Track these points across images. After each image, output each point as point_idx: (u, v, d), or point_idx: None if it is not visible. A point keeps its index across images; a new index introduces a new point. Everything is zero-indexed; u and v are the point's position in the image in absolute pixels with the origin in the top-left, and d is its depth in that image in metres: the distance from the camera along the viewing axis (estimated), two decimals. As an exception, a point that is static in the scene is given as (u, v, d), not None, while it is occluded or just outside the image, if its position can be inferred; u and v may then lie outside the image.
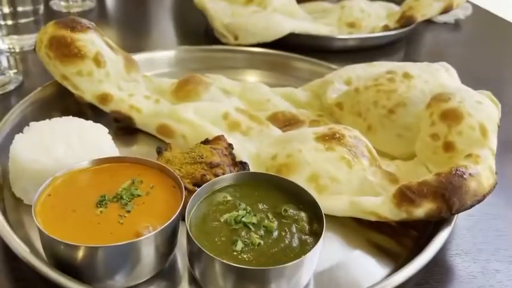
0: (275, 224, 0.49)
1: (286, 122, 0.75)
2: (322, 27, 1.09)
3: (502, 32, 1.40)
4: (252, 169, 0.64)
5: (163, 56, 0.90)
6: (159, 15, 1.34)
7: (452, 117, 0.60)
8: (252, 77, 0.92)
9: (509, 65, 1.19)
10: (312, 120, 0.75)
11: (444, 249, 0.57)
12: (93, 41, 0.72)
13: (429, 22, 1.29)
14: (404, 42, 1.21)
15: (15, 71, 0.89)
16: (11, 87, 0.85)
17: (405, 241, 0.58)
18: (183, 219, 0.48)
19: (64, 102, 0.76)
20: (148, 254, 0.46)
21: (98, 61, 0.72)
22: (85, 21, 0.74)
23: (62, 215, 0.47)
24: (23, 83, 0.88)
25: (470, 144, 0.58)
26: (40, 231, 0.45)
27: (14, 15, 0.94)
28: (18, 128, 0.67)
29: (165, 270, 0.51)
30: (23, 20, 0.96)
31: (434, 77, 0.69)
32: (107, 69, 0.73)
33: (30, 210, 0.55)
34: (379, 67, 0.78)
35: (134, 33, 1.18)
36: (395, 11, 1.17)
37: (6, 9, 0.93)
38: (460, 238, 0.60)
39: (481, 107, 0.60)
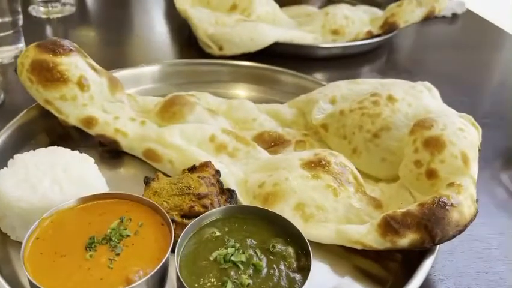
0: (264, 262, 0.50)
1: (273, 142, 0.75)
2: (306, 34, 1.09)
3: (490, 36, 1.42)
4: (239, 196, 0.64)
5: (147, 71, 0.90)
6: (141, 21, 1.32)
7: (435, 145, 0.61)
8: (238, 91, 0.92)
9: (492, 71, 1.22)
10: (297, 140, 0.76)
11: (428, 275, 0.58)
12: (76, 64, 0.72)
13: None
14: (386, 47, 1.22)
15: (-7, 87, 0.88)
16: (-7, 108, 0.84)
17: (391, 265, 0.59)
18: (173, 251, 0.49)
19: (48, 125, 0.75)
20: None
21: (81, 85, 0.71)
22: (67, 43, 0.73)
23: (52, 261, 0.47)
24: (5, 100, 0.86)
25: (452, 172, 0.60)
26: (30, 281, 0.45)
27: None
28: (3, 155, 0.67)
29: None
30: (2, 34, 0.94)
31: (417, 99, 0.70)
32: (91, 92, 0.72)
33: (17, 246, 0.56)
34: (362, 85, 0.79)
35: (115, 40, 1.17)
36: (378, 16, 1.17)
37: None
38: (442, 262, 0.62)
39: (463, 135, 0.61)
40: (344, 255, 0.60)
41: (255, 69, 0.93)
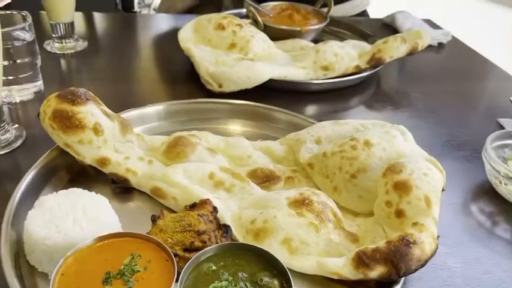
0: (253, 294, 0.60)
1: (265, 178, 0.85)
2: (299, 70, 1.19)
3: (475, 66, 1.50)
4: (234, 230, 0.74)
5: (153, 110, 0.99)
6: (148, 55, 1.42)
7: (402, 188, 0.70)
8: (235, 126, 1.02)
9: (476, 102, 1.30)
10: (287, 176, 0.85)
11: (398, 300, 0.68)
12: (92, 112, 0.81)
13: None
14: (374, 79, 1.32)
15: (16, 126, 0.97)
16: (17, 144, 0.93)
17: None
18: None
19: (67, 163, 0.85)
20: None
21: (96, 130, 0.81)
22: (83, 92, 0.83)
23: (77, 294, 0.57)
24: (27, 138, 0.96)
25: (416, 212, 0.69)
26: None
27: (13, 69, 1.02)
28: (29, 194, 0.77)
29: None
30: (21, 75, 1.04)
31: (391, 144, 0.79)
32: (105, 136, 0.82)
33: (44, 276, 0.66)
34: (345, 126, 0.89)
35: (123, 73, 1.27)
36: (366, 51, 1.26)
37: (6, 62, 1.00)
38: (411, 288, 0.71)
39: (427, 179, 0.71)
40: (325, 283, 0.69)
41: (250, 107, 1.02)
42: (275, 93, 1.16)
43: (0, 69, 0.87)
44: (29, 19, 1.03)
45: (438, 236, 0.68)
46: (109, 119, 0.84)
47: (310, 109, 1.18)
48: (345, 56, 1.23)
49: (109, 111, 0.86)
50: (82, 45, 1.34)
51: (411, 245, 0.65)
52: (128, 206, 0.82)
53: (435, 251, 0.66)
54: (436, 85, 1.34)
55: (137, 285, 0.59)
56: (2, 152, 0.91)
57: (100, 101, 0.86)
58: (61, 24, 1.28)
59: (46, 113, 0.81)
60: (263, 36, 1.25)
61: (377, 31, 1.58)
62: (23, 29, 1.03)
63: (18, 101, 1.07)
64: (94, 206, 0.71)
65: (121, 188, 0.83)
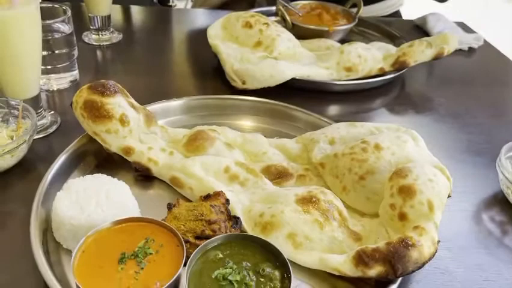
0: (254, 283, 0.64)
1: (278, 175, 0.89)
2: (322, 71, 1.21)
3: (506, 72, 1.48)
4: (243, 222, 0.78)
5: (176, 104, 1.05)
6: (179, 49, 1.48)
7: (406, 192, 0.73)
8: (253, 123, 1.06)
9: (502, 109, 1.29)
10: (299, 174, 0.89)
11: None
12: (119, 104, 0.87)
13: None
14: (399, 81, 1.33)
15: (52, 112, 1.05)
16: (52, 129, 1.01)
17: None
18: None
19: (95, 150, 0.91)
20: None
21: (123, 121, 0.87)
22: (112, 85, 0.89)
23: (93, 271, 0.63)
24: (61, 123, 1.03)
25: (419, 216, 0.71)
26: (77, 286, 0.60)
27: (51, 59, 1.10)
28: (59, 176, 0.84)
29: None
30: (59, 65, 1.11)
31: (400, 149, 0.81)
32: (130, 127, 0.88)
33: (68, 252, 0.72)
34: (360, 128, 0.92)
35: (153, 66, 1.33)
36: (391, 53, 1.28)
37: (45, 53, 1.08)
38: (410, 290, 0.74)
39: (431, 185, 0.73)
40: (327, 278, 0.73)
41: (269, 105, 1.06)
42: (298, 92, 1.19)
43: (39, 59, 0.94)
44: (69, 13, 1.10)
45: (438, 241, 0.71)
46: (135, 111, 0.90)
47: (332, 109, 1.21)
48: (369, 58, 1.24)
49: (135, 103, 0.92)
50: (117, 37, 1.41)
51: (409, 247, 0.67)
52: (148, 193, 0.88)
53: (433, 255, 0.69)
54: (462, 90, 1.34)
55: (148, 266, 0.64)
56: (38, 136, 0.98)
57: (127, 94, 0.92)
58: (98, 17, 1.35)
59: (78, 103, 0.87)
60: (288, 35, 1.28)
61: (407, 33, 1.58)
62: (62, 21, 1.10)
63: (55, 89, 1.14)
64: (116, 191, 0.77)
65: (142, 176, 0.89)
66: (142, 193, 0.86)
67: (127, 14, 1.65)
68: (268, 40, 1.24)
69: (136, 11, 1.67)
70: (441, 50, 1.24)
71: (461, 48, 1.53)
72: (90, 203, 0.73)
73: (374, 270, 0.67)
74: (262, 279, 0.65)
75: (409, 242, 0.68)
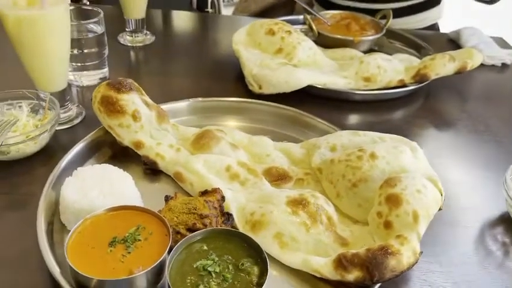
0: (231, 275, 0.67)
1: (278, 177, 0.92)
2: (340, 79, 1.23)
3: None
4: (236, 219, 0.82)
5: (187, 104, 1.10)
6: (207, 53, 1.53)
7: (393, 201, 0.74)
8: (262, 125, 1.08)
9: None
10: (298, 178, 0.91)
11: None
12: (133, 100, 0.93)
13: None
14: (422, 93, 1.31)
15: (78, 105, 1.13)
16: (77, 121, 1.09)
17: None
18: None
19: (110, 142, 0.98)
20: (140, 285, 0.66)
21: (135, 117, 0.93)
22: (129, 83, 0.95)
23: (85, 250, 0.68)
24: (85, 116, 1.11)
25: (403, 226, 0.72)
26: (68, 263, 0.66)
27: (82, 57, 1.18)
28: (72, 164, 0.90)
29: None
30: (88, 63, 1.20)
31: (396, 159, 0.82)
32: (142, 123, 0.94)
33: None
34: (363, 137, 0.93)
35: (181, 68, 1.39)
36: (413, 65, 1.27)
37: (76, 51, 1.17)
38: (391, 299, 0.74)
39: (419, 196, 0.73)
40: (309, 279, 0.74)
41: (279, 109, 1.09)
42: (316, 99, 1.21)
43: (67, 55, 1.02)
44: (101, 14, 1.18)
45: (421, 252, 0.71)
46: (147, 108, 0.95)
47: (349, 118, 1.21)
48: (389, 69, 1.24)
49: (149, 101, 0.98)
50: (150, 39, 1.49)
51: (388, 255, 0.68)
52: (154, 186, 0.93)
53: (412, 265, 0.69)
54: (488, 107, 1.31)
55: (135, 251, 0.69)
56: (63, 127, 1.06)
57: (142, 92, 0.98)
58: (132, 20, 1.44)
59: (96, 98, 0.94)
60: (310, 43, 1.31)
61: (440, 47, 1.56)
62: (95, 22, 1.18)
63: (85, 85, 1.23)
64: (119, 181, 0.83)
65: (150, 170, 0.94)
66: (148, 186, 0.92)
67: (163, 17, 1.73)
68: (289, 47, 1.27)
69: (173, 15, 1.75)
70: (464, 65, 1.23)
71: (494, 63, 1.49)
72: (93, 190, 0.79)
73: (352, 275, 0.69)
74: (240, 273, 0.68)
75: (389, 250, 0.68)
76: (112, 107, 0.92)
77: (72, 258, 0.66)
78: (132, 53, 1.45)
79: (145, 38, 1.48)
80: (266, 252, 0.70)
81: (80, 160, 0.93)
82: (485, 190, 0.99)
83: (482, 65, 1.48)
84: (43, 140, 0.95)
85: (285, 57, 1.26)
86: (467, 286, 0.77)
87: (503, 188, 0.88)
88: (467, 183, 1.03)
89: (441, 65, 1.22)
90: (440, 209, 0.77)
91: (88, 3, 1.97)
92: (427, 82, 1.26)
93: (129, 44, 1.46)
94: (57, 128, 1.05)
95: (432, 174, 0.81)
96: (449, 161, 1.09)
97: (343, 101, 1.24)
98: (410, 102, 1.29)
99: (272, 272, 0.76)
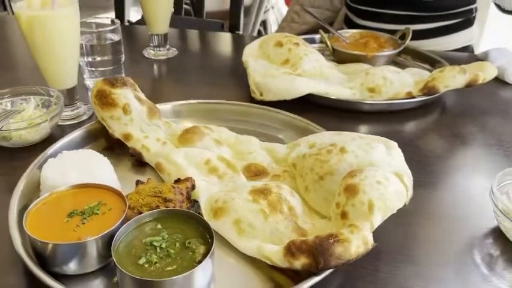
0: (175, 251, 0.68)
1: (256, 173, 0.92)
2: (344, 90, 1.22)
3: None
4: (202, 207, 0.82)
5: (186, 107, 1.14)
6: (220, 65, 1.58)
7: (351, 191, 0.71)
8: (253, 127, 1.09)
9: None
10: (274, 174, 0.90)
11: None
12: (125, 95, 0.99)
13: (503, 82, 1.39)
14: (437, 106, 1.26)
15: (88, 105, 1.20)
16: (84, 117, 1.16)
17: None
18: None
19: (106, 133, 1.03)
20: (90, 252, 0.69)
21: (125, 110, 0.98)
22: (123, 78, 1.01)
23: (44, 219, 0.72)
24: (92, 115, 1.18)
25: (358, 216, 0.69)
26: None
27: (94, 64, 1.27)
28: (67, 149, 0.96)
29: (109, 267, 0.72)
30: (101, 68, 1.28)
31: (366, 154, 0.79)
32: (132, 116, 0.98)
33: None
34: (344, 136, 0.91)
35: (193, 82, 1.44)
36: (423, 79, 1.23)
37: (89, 59, 1.26)
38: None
39: (376, 187, 0.70)
40: (265, 269, 0.73)
41: (270, 112, 1.11)
42: (318, 108, 1.20)
43: (76, 55, 1.10)
44: (117, 24, 1.27)
45: (375, 244, 0.67)
46: (139, 103, 1.00)
47: (356, 129, 1.18)
48: (396, 81, 1.22)
49: (142, 96, 1.03)
50: (172, 53, 1.57)
51: (335, 242, 0.65)
52: (137, 176, 0.96)
53: (361, 254, 0.66)
54: (504, 123, 1.23)
55: (90, 222, 0.71)
56: (70, 122, 1.14)
57: (137, 88, 1.04)
58: (155, 36, 1.53)
59: (93, 92, 1.01)
60: (317, 56, 1.31)
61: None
62: (112, 31, 1.27)
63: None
64: (99, 166, 0.87)
65: (137, 161, 0.98)
66: (133, 176, 0.95)
67: (189, 36, 1.82)
68: (295, 58, 1.29)
69: (201, 35, 1.84)
70: (476, 77, 1.17)
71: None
72: (71, 171, 0.83)
73: (299, 262, 0.67)
74: (186, 251, 0.68)
75: (337, 237, 0.66)
76: (105, 100, 0.98)
77: (29, 224, 0.70)
78: (155, 66, 1.54)
79: (168, 52, 1.56)
80: (226, 240, 0.71)
81: (74, 148, 0.99)
82: (483, 200, 0.93)
83: (506, 83, 1.41)
84: (43, 129, 1.02)
85: (290, 67, 1.27)
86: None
87: (491, 199, 0.82)
88: (463, 191, 0.97)
89: (451, 77, 1.18)
90: (404, 205, 0.73)
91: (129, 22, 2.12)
92: (438, 95, 1.21)
93: (152, 58, 1.55)
94: (64, 124, 1.12)
95: (401, 170, 0.78)
96: (451, 169, 1.04)
97: (348, 111, 1.22)
98: (422, 116, 1.24)
99: (229, 259, 0.76)
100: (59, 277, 0.69)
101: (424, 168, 1.01)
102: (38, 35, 1.02)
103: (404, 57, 1.56)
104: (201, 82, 1.43)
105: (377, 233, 0.69)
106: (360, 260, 0.67)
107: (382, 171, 0.74)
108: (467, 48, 1.82)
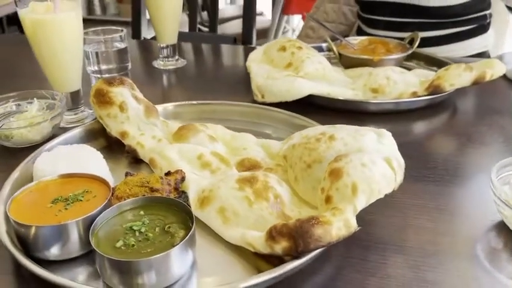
0: (154, 235, 0.67)
1: (249, 167, 0.90)
2: (347, 91, 1.20)
3: None
4: (191, 199, 0.81)
5: (188, 108, 1.14)
6: (226, 71, 1.59)
7: (335, 175, 0.69)
8: (250, 126, 1.09)
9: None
10: (267, 168, 0.89)
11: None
12: (122, 93, 1.00)
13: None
14: (448, 105, 1.23)
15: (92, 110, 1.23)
16: (87, 121, 1.18)
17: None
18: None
19: (104, 133, 1.04)
20: (71, 237, 0.68)
21: (122, 108, 0.99)
22: (121, 79, 1.02)
23: (28, 206, 0.72)
24: (96, 118, 1.20)
25: (341, 199, 0.67)
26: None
27: (100, 71, 1.30)
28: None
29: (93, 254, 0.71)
30: (112, 75, 1.31)
31: (355, 140, 0.77)
32: (128, 114, 0.99)
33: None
34: (339, 128, 0.88)
35: (198, 91, 1.44)
36: (428, 79, 1.20)
37: (96, 67, 1.30)
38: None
39: (361, 169, 0.68)
40: (250, 257, 0.71)
41: (269, 112, 1.10)
42: (320, 109, 1.18)
43: (79, 59, 1.13)
44: (123, 33, 1.31)
45: (359, 227, 0.64)
46: (136, 101, 1.01)
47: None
48: (400, 81, 1.19)
49: (139, 95, 1.04)
50: (181, 63, 1.59)
51: (315, 224, 0.63)
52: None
53: (342, 237, 0.63)
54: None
55: (72, 208, 0.71)
56: (74, 125, 1.16)
57: (134, 87, 1.05)
58: (164, 46, 1.56)
59: (92, 91, 1.03)
60: (321, 59, 1.30)
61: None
62: (118, 39, 1.31)
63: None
64: (90, 160, 0.87)
65: (132, 158, 0.98)
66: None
67: (202, 49, 1.84)
68: (298, 62, 1.28)
69: (212, 47, 1.86)
70: (483, 74, 1.14)
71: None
72: (62, 165, 0.84)
73: (280, 246, 0.64)
74: (165, 235, 0.67)
75: (318, 220, 0.63)
76: (102, 98, 1.00)
77: (12, 209, 0.71)
78: (164, 75, 1.56)
79: (177, 62, 1.59)
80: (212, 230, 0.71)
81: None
82: (489, 195, 0.88)
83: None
84: (44, 128, 1.04)
85: (293, 70, 1.27)
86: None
87: (491, 189, 0.78)
88: (469, 188, 0.93)
89: (456, 75, 1.15)
90: (393, 190, 0.70)
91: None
92: (445, 94, 1.18)
93: (162, 68, 1.58)
94: (68, 126, 1.14)
95: (391, 155, 0.75)
96: (458, 166, 1.00)
97: (353, 112, 1.19)
98: (432, 117, 1.20)
99: (216, 250, 0.74)
100: (42, 263, 0.68)
101: (432, 165, 0.98)
102: (41, 39, 1.06)
103: (417, 63, 1.53)
104: (207, 89, 1.44)
105: (377, 226, 0.66)
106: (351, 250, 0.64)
107: (369, 155, 0.71)
108: (483, 55, 1.78)
